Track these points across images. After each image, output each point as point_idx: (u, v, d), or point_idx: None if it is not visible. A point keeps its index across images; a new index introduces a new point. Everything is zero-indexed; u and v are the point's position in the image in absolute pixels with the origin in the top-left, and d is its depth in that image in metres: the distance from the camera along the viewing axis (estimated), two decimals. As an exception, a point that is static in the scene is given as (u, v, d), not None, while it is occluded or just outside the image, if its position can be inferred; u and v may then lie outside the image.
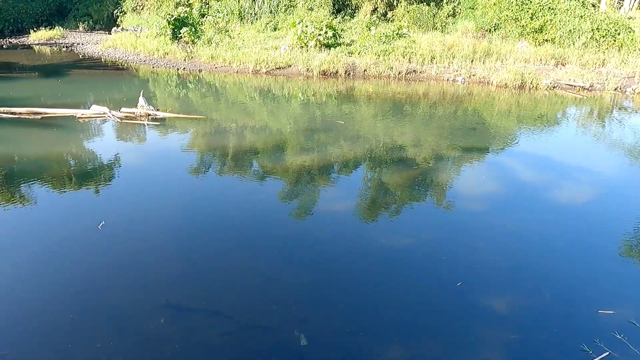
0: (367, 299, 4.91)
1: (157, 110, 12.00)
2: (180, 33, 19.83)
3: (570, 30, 18.87)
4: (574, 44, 18.66)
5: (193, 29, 19.90)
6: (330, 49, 18.51)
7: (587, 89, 15.69)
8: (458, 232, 6.41)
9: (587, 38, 18.56)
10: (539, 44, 19.08)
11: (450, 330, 4.50)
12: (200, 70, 18.14)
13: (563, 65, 17.62)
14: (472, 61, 17.58)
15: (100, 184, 7.74)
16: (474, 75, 16.69)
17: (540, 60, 17.69)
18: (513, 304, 4.91)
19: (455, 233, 6.37)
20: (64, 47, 24.19)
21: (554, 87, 15.83)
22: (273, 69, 17.66)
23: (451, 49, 18.09)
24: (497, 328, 4.55)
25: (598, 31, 18.51)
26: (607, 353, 4.19)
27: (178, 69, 18.43)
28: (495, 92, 15.43)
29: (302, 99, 14.64)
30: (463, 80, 16.59)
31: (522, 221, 6.73)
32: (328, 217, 6.80)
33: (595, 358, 4.14)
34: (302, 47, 18.82)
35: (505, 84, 15.81)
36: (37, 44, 25.30)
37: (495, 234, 6.36)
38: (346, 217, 6.80)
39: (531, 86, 15.73)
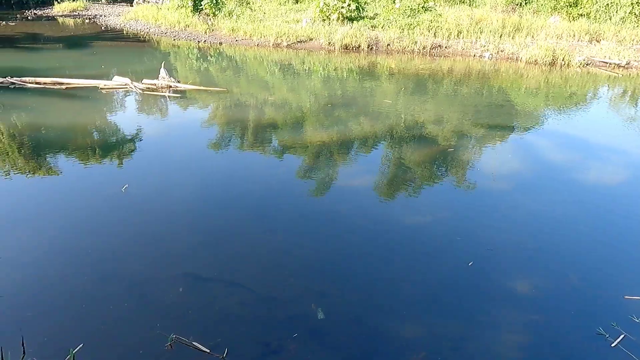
0: (384, 275, 4.86)
1: (178, 82, 11.98)
2: (201, 5, 19.64)
3: (607, 4, 17.86)
4: (610, 19, 17.71)
5: (214, 1, 19.66)
6: (352, 22, 18.05)
7: (623, 66, 14.93)
8: (481, 211, 6.25)
9: (625, 13, 17.56)
10: (573, 19, 18.17)
11: (468, 309, 4.42)
12: (220, 43, 17.99)
13: (598, 41, 16.77)
14: (500, 36, 16.92)
15: (121, 155, 7.81)
16: (502, 51, 16.08)
17: (574, 36, 16.88)
18: (535, 285, 4.79)
19: (478, 212, 6.21)
20: (86, 19, 24.32)
21: (587, 64, 15.13)
22: (294, 43, 17.37)
23: (479, 23, 17.41)
24: (516, 309, 4.45)
25: (638, 5, 17.46)
26: (623, 335, 4.09)
27: (199, 41, 18.31)
28: (524, 69, 14.84)
29: (323, 73, 14.38)
30: (490, 56, 16.00)
31: (547, 202, 6.51)
32: (347, 193, 6.72)
33: (613, 342, 4.04)
34: (324, 20, 18.41)
35: (535, 61, 15.18)
36: (61, 16, 25.50)
37: (520, 215, 6.17)
38: (365, 192, 6.71)
39: (563, 63, 15.07)
